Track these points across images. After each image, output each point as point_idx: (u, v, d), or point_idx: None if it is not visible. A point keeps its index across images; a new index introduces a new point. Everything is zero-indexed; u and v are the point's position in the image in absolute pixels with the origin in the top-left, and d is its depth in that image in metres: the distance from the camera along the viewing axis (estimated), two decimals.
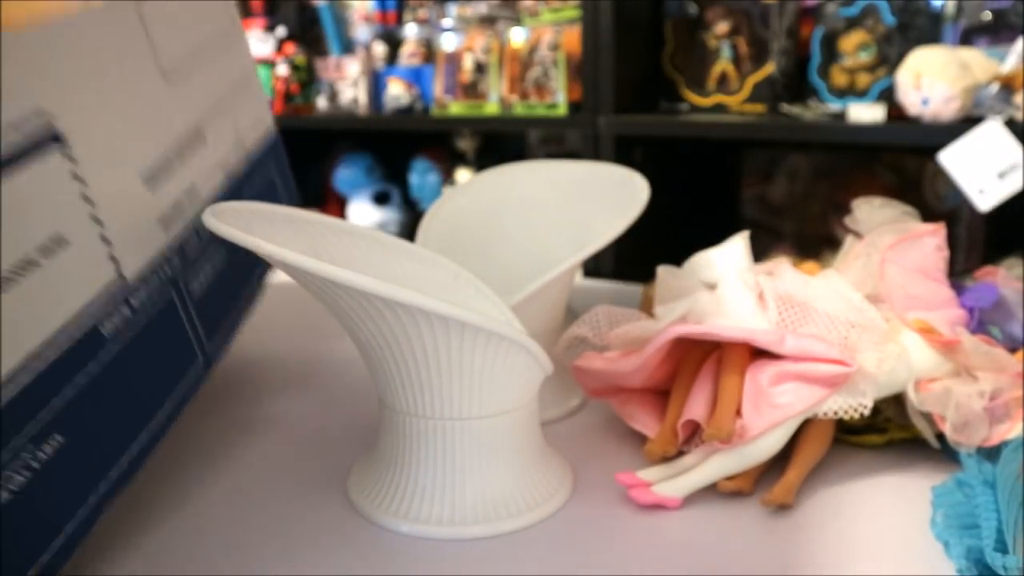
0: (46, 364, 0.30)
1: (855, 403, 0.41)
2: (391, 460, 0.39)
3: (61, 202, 0.31)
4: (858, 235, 0.49)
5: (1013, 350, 0.45)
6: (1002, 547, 0.32)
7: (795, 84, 1.08)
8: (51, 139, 0.30)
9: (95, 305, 0.32)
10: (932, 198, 1.11)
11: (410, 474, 0.39)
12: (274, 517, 0.39)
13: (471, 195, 0.57)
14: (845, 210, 0.51)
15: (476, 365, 0.36)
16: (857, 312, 0.44)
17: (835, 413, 0.41)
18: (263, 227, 0.38)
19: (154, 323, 0.36)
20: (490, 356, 0.36)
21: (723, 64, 1.09)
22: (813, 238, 1.23)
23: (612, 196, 0.52)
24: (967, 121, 0.84)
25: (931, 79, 0.82)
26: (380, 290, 0.31)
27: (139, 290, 0.35)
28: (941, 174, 0.88)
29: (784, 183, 1.27)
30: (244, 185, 0.46)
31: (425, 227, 0.54)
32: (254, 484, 0.42)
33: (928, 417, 0.43)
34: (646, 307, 0.56)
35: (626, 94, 1.12)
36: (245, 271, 0.46)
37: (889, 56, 0.95)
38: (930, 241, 0.46)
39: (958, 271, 0.49)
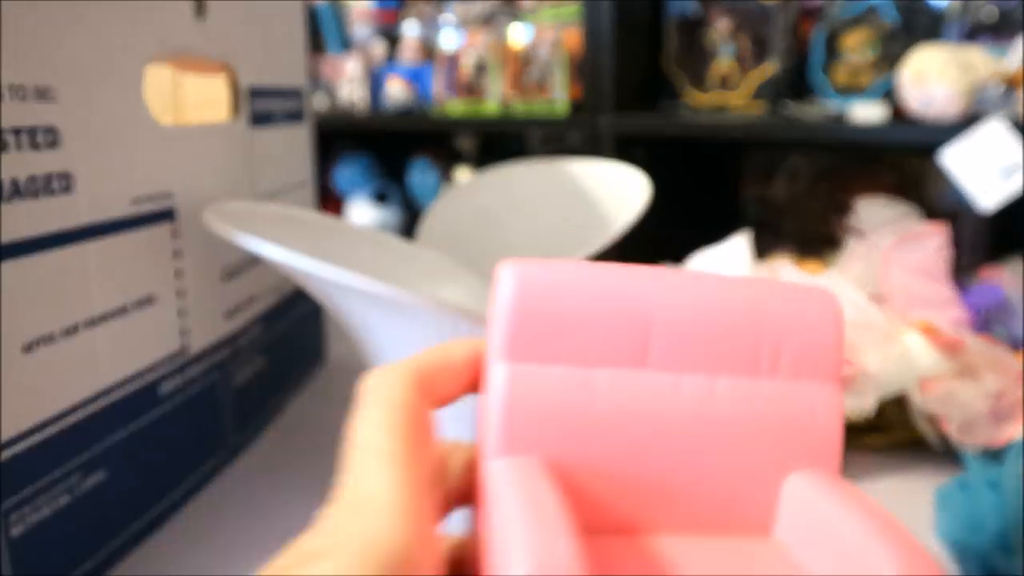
0: (109, 403, 0.33)
1: (857, 404, 0.41)
2: None
3: (160, 268, 0.37)
4: (861, 235, 0.49)
5: (1017, 350, 0.45)
6: (1007, 549, 0.32)
7: (797, 83, 1.07)
8: (167, 215, 0.37)
9: (160, 365, 0.37)
10: (935, 197, 1.10)
11: None
12: (272, 513, 0.39)
13: (472, 194, 0.57)
14: (847, 209, 0.51)
15: None
16: (859, 312, 0.44)
17: None
18: (262, 228, 0.37)
19: (199, 398, 0.40)
20: None
21: (724, 63, 1.08)
22: (815, 238, 1.22)
23: (613, 194, 0.52)
24: (969, 120, 0.83)
25: (933, 78, 0.82)
26: (374, 289, 0.31)
27: (195, 365, 0.40)
28: (944, 173, 0.88)
29: (786, 182, 1.27)
30: (285, 314, 0.52)
31: (426, 226, 0.54)
32: (253, 481, 0.42)
33: (932, 418, 0.42)
34: None
35: (627, 93, 1.12)
36: (278, 380, 0.51)
37: (891, 55, 0.94)
38: (932, 241, 0.46)
39: (962, 271, 0.49)
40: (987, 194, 0.79)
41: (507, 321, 0.21)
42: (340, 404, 0.53)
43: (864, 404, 0.41)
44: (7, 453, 0.28)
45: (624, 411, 0.21)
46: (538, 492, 0.19)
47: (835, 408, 0.22)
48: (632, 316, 0.22)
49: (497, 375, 0.21)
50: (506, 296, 0.21)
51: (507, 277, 0.21)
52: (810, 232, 1.24)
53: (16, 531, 0.28)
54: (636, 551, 0.20)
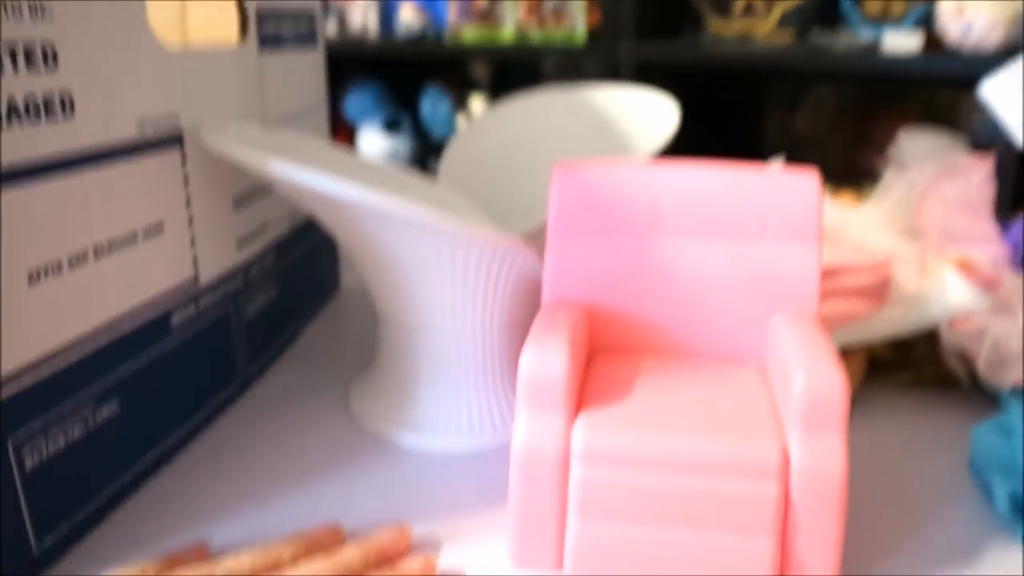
0: (121, 334, 0.32)
1: (889, 316, 0.40)
2: (392, 373, 0.40)
3: (169, 195, 0.35)
4: (900, 167, 0.47)
5: None
6: None
7: (825, 11, 1.03)
8: (176, 139, 0.35)
9: (171, 295, 0.36)
10: (966, 132, 1.07)
11: (409, 385, 0.39)
12: (286, 443, 0.38)
13: (493, 126, 0.55)
14: (872, 142, 0.48)
15: (468, 275, 0.35)
16: (894, 245, 0.42)
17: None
18: (270, 153, 0.36)
19: (212, 328, 0.39)
20: (475, 264, 0.34)
21: None
22: (838, 170, 1.20)
23: (640, 121, 0.50)
24: (1011, 51, 0.80)
25: (974, 6, 0.78)
26: (368, 200, 0.30)
27: (207, 295, 0.39)
28: (977, 108, 0.85)
29: (810, 113, 1.23)
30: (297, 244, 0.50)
31: (446, 161, 0.52)
32: (266, 412, 0.42)
33: (961, 355, 0.41)
34: None
35: (647, 21, 1.08)
36: (291, 309, 0.50)
37: None
38: (976, 174, 0.44)
39: (1003, 207, 0.47)
40: None
41: (556, 206, 0.30)
42: (354, 332, 0.52)
43: (895, 317, 0.39)
44: (16, 385, 0.27)
45: (640, 266, 0.30)
46: (555, 319, 0.28)
47: (813, 263, 0.29)
48: (645, 197, 0.30)
49: (550, 245, 0.30)
50: (556, 190, 0.30)
51: (557, 176, 0.30)
52: (834, 164, 1.21)
53: (30, 464, 0.28)
54: (645, 362, 0.29)
